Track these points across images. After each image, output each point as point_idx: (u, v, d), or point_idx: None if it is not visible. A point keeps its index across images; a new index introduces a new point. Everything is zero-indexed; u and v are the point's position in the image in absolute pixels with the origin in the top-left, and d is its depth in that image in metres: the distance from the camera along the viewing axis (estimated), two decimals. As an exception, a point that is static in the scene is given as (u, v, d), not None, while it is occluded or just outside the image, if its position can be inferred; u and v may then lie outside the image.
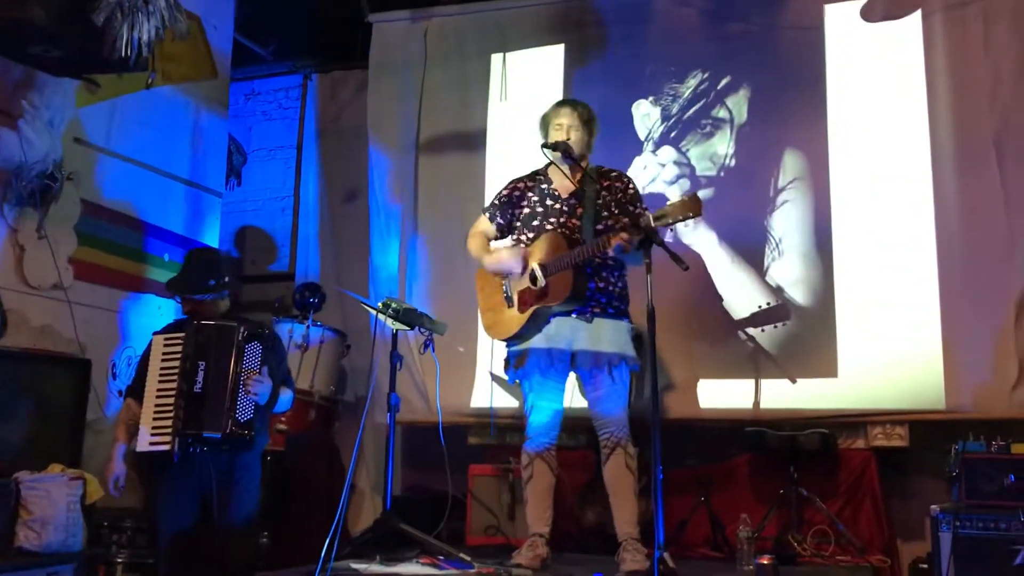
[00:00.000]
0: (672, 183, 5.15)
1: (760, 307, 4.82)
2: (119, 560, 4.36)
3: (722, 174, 5.12)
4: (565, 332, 3.81)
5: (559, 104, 4.08)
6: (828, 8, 5.04)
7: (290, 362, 4.86)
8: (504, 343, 3.99)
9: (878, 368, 4.60)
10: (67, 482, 4.05)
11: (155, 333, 3.85)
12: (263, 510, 4.12)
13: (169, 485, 3.71)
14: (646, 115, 5.32)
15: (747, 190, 5.04)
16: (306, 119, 6.70)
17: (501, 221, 4.11)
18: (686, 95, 5.26)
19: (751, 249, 4.97)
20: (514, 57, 5.69)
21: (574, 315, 3.79)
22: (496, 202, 4.13)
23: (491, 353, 5.21)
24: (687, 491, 4.57)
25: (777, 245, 4.94)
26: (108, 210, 5.08)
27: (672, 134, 5.25)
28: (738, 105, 5.15)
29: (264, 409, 3.76)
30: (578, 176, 3.91)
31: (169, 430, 3.61)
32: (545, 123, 4.02)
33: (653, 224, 3.38)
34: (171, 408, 3.64)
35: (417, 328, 4.19)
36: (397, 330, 4.20)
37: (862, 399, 4.59)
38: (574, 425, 4.04)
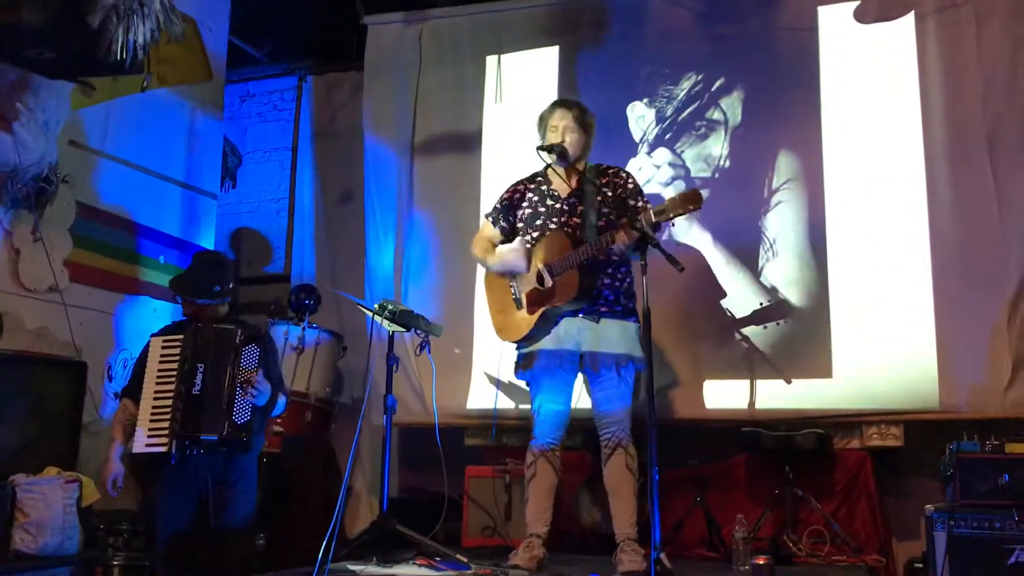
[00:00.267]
0: (667, 184, 5.17)
1: (761, 304, 4.84)
2: (115, 563, 4.34)
3: (716, 175, 5.14)
4: (573, 333, 3.82)
5: (554, 105, 4.08)
6: (822, 10, 5.06)
7: (286, 364, 4.90)
8: (514, 345, 4.00)
9: (873, 368, 4.62)
10: (63, 485, 4.05)
11: (153, 335, 3.85)
12: (259, 512, 4.11)
13: (166, 487, 3.70)
14: (641, 117, 5.33)
15: (741, 191, 5.06)
16: (301, 121, 6.71)
17: (504, 225, 4.12)
18: (681, 97, 5.28)
19: (746, 250, 4.98)
20: (509, 59, 5.70)
21: (581, 315, 3.80)
22: (498, 206, 4.14)
23: (491, 355, 5.22)
24: (683, 491, 4.58)
25: (771, 246, 4.95)
26: (103, 212, 5.08)
27: (667, 136, 5.27)
28: (732, 106, 5.17)
29: (262, 411, 3.77)
30: (576, 175, 3.91)
31: (166, 432, 3.60)
32: (542, 124, 4.02)
33: (654, 219, 3.39)
34: (168, 410, 3.63)
35: (413, 330, 4.20)
36: (393, 332, 4.20)
37: (857, 399, 4.61)
38: (572, 426, 4.04)
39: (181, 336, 3.74)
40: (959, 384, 4.46)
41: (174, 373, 3.68)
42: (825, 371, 4.72)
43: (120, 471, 3.71)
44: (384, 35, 5.97)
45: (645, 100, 5.34)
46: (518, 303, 3.93)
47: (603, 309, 3.81)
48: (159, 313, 5.30)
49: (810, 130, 4.95)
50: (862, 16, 4.97)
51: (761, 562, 3.63)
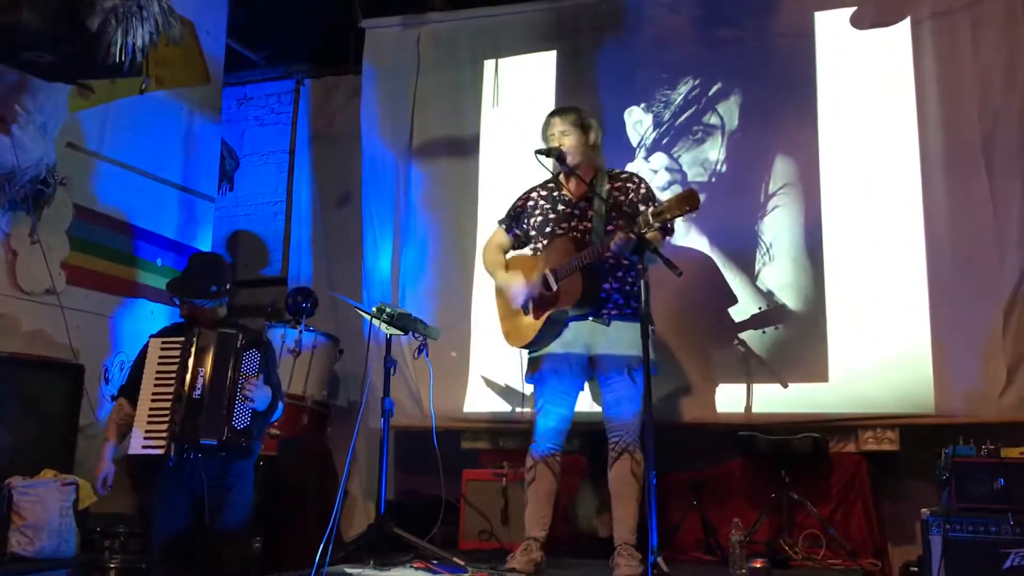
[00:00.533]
0: (664, 189, 5.17)
1: (759, 308, 4.85)
2: (112, 566, 4.34)
3: (713, 180, 5.15)
4: (583, 337, 3.82)
5: (550, 115, 4.11)
6: (818, 15, 5.08)
7: (283, 367, 4.89)
8: (524, 350, 4.00)
9: (869, 373, 4.63)
10: (59, 487, 4.04)
11: (152, 336, 3.84)
12: (256, 515, 4.11)
13: (162, 490, 3.69)
14: (638, 122, 5.35)
15: (738, 196, 5.07)
16: (299, 124, 6.71)
17: (517, 232, 4.13)
18: (678, 102, 5.29)
19: (742, 254, 4.99)
20: (507, 63, 5.71)
21: (590, 318, 3.80)
22: (511, 213, 4.16)
23: (488, 358, 5.23)
24: (680, 495, 4.59)
25: (768, 250, 4.96)
26: (101, 215, 5.07)
27: (664, 140, 5.28)
28: (729, 111, 5.18)
29: (261, 417, 3.77)
30: (584, 180, 3.92)
31: (164, 434, 3.59)
32: (544, 135, 4.04)
33: (652, 220, 3.37)
34: (166, 412, 3.63)
35: (411, 333, 4.21)
36: (391, 335, 4.21)
37: (853, 403, 4.62)
38: (568, 430, 4.04)
39: (181, 338, 3.74)
40: (954, 389, 4.47)
41: (173, 375, 3.68)
42: (821, 375, 4.73)
43: (111, 470, 3.70)
44: (382, 39, 5.98)
45: (642, 105, 5.35)
46: (525, 308, 3.94)
47: (613, 312, 3.81)
48: (156, 316, 5.30)
49: (807, 135, 4.97)
50: (859, 22, 4.99)
51: (757, 566, 3.65)
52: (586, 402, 4.13)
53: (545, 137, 4.02)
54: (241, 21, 6.17)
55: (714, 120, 5.20)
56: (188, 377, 3.66)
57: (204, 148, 5.91)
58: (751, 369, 4.82)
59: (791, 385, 4.76)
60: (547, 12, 5.66)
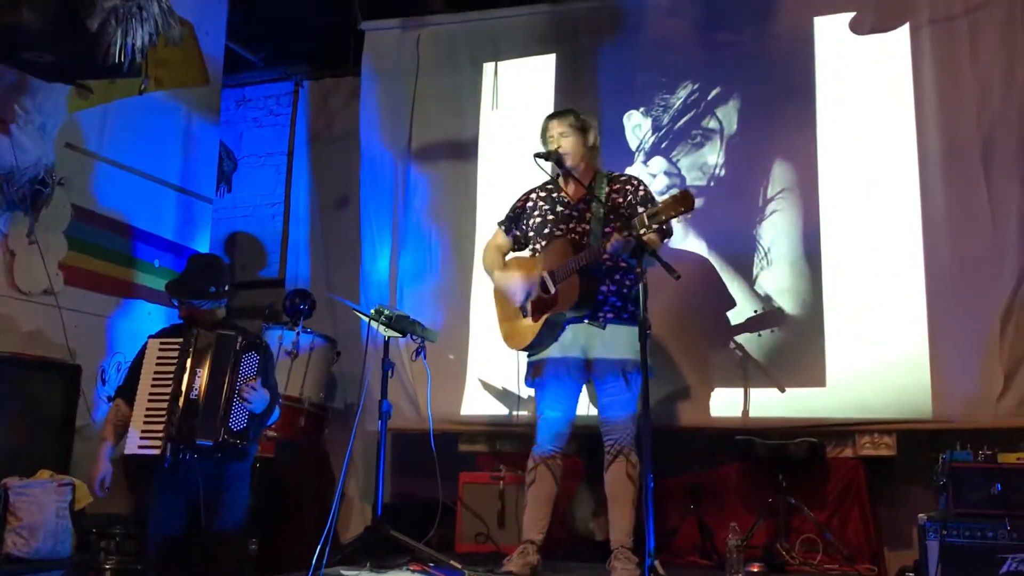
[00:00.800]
0: (663, 193, 5.16)
1: (755, 312, 4.86)
2: (107, 566, 4.32)
3: (712, 184, 5.15)
4: (580, 340, 3.82)
5: (548, 117, 4.11)
6: (818, 20, 5.09)
7: (280, 369, 4.88)
8: (523, 353, 4.01)
9: (866, 378, 4.64)
10: (56, 488, 4.03)
11: (151, 337, 3.84)
12: (252, 517, 4.11)
13: (158, 491, 3.69)
14: (637, 126, 5.35)
15: (737, 200, 5.07)
16: (297, 126, 6.71)
17: (517, 233, 4.14)
18: (677, 106, 5.30)
19: (740, 258, 5.00)
20: (506, 66, 5.72)
21: (587, 321, 3.80)
22: (511, 214, 4.16)
23: (486, 361, 5.23)
24: (677, 499, 4.59)
25: (766, 254, 4.97)
26: (99, 215, 5.07)
27: (663, 144, 5.29)
28: (728, 116, 5.19)
29: (258, 419, 3.76)
30: (583, 182, 3.92)
31: (160, 434, 3.59)
32: (543, 137, 4.05)
33: (648, 222, 3.37)
34: (163, 412, 3.62)
35: (409, 335, 4.21)
36: (389, 337, 4.21)
37: (850, 408, 4.62)
38: (570, 433, 4.05)
39: (179, 339, 3.73)
40: (952, 394, 4.48)
41: (170, 376, 3.67)
42: (819, 380, 4.74)
43: (108, 471, 3.70)
44: (381, 41, 5.98)
45: (641, 109, 5.36)
46: (524, 311, 3.94)
47: (610, 315, 3.81)
48: (154, 317, 5.29)
49: (805, 140, 4.98)
50: (858, 27, 5.00)
51: (754, 570, 3.65)
52: (583, 405, 4.13)
53: (544, 140, 4.03)
54: (240, 22, 6.17)
55: (713, 124, 5.21)
56: (186, 378, 3.66)
57: (202, 149, 5.90)
58: (749, 373, 4.83)
59: (788, 389, 4.77)
60: (547, 15, 5.67)
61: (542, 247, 3.96)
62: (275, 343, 5.00)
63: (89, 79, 4.50)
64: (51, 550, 3.95)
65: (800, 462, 4.49)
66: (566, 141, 3.95)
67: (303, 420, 5.11)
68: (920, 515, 3.79)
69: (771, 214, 5.00)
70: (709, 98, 5.23)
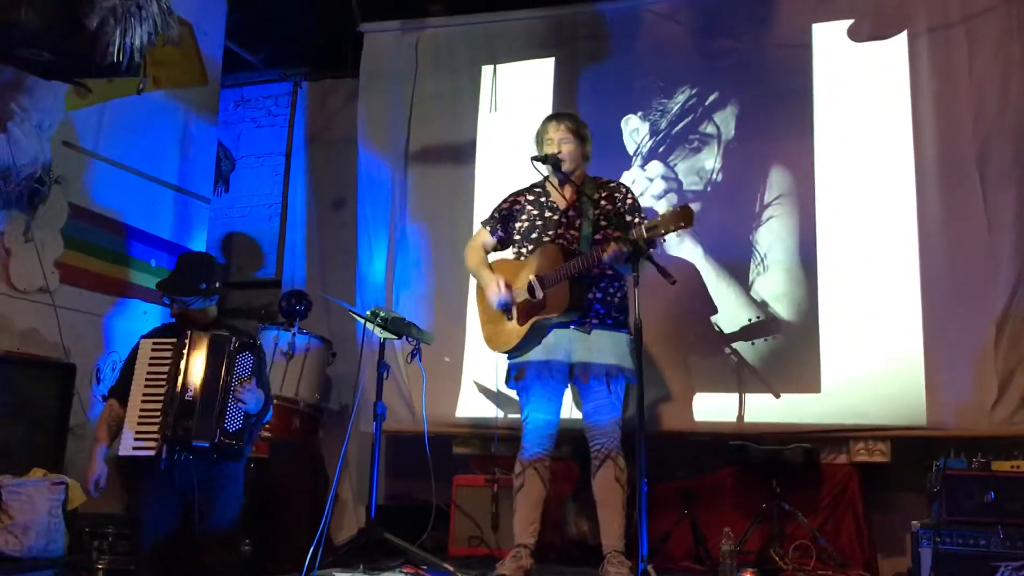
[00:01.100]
0: (660, 197, 5.19)
1: (750, 320, 4.87)
2: (100, 566, 4.31)
3: (709, 189, 5.16)
4: (564, 343, 3.82)
5: (548, 119, 4.09)
6: (816, 27, 5.10)
7: (275, 369, 4.89)
8: (504, 355, 4.00)
9: (861, 384, 4.64)
10: (49, 487, 4.01)
11: (143, 336, 3.83)
12: (246, 518, 4.10)
13: (151, 490, 3.69)
14: (635, 130, 5.36)
15: (733, 205, 5.08)
16: (295, 127, 6.71)
17: (502, 234, 4.13)
18: (674, 110, 5.30)
19: (736, 264, 5.00)
20: (504, 69, 5.72)
21: (572, 326, 3.80)
22: (496, 215, 4.14)
23: (481, 364, 5.22)
24: (670, 504, 4.58)
25: (762, 260, 4.98)
26: (95, 214, 5.06)
27: (660, 149, 5.29)
28: (726, 121, 5.20)
29: (253, 419, 3.76)
30: (574, 188, 3.93)
31: (155, 435, 3.59)
32: (539, 139, 4.04)
33: (646, 235, 3.40)
34: (157, 413, 3.62)
35: (404, 337, 4.21)
36: (384, 339, 4.21)
37: (845, 415, 4.62)
38: (560, 436, 4.04)
39: (172, 339, 3.73)
40: (946, 402, 4.49)
41: (164, 376, 3.67)
42: (813, 386, 4.74)
43: (103, 472, 3.70)
44: (380, 43, 5.98)
45: (639, 113, 5.36)
46: (508, 313, 3.93)
47: (594, 321, 3.81)
48: (149, 316, 5.29)
49: (803, 146, 4.99)
50: (856, 34, 5.01)
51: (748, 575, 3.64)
52: (571, 408, 4.13)
53: (541, 140, 4.02)
54: (240, 23, 6.18)
55: (710, 129, 5.22)
56: (180, 379, 3.65)
57: (200, 149, 5.90)
58: (743, 379, 4.83)
59: (783, 395, 4.77)
60: (545, 19, 5.67)
61: (529, 251, 3.94)
62: (271, 344, 5.00)
63: (87, 78, 4.48)
64: (43, 549, 3.93)
65: (794, 468, 4.49)
66: (567, 146, 3.94)
67: (298, 421, 5.11)
68: (914, 522, 3.81)
69: (768, 220, 5.01)
70: (707, 103, 5.24)
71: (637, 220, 3.83)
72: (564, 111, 4.40)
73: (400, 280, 5.63)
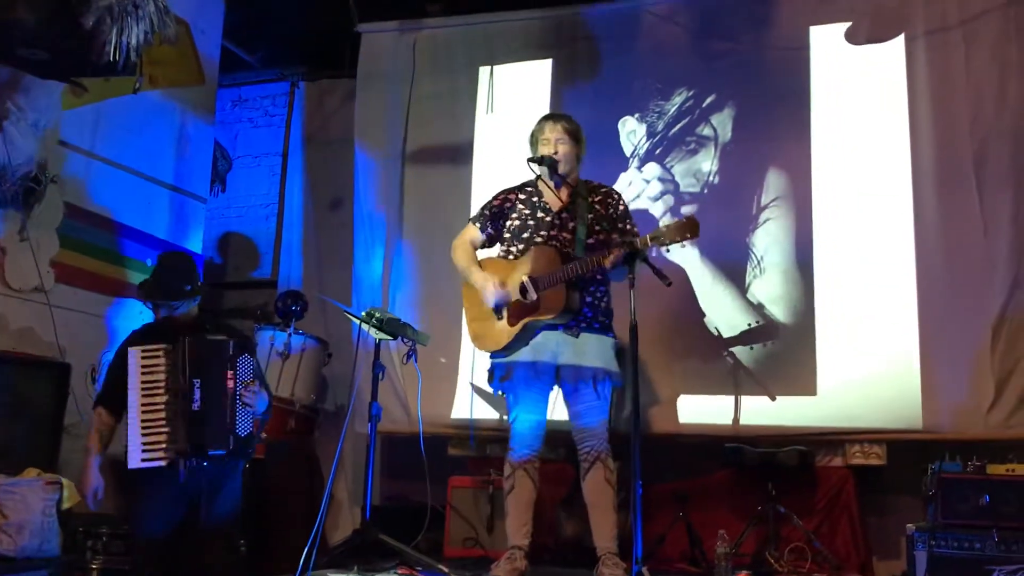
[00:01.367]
0: (656, 199, 5.19)
1: (749, 325, 4.87)
2: (94, 566, 4.29)
3: (706, 191, 5.16)
4: (551, 345, 3.81)
5: (544, 119, 4.07)
6: (813, 30, 5.10)
7: (271, 370, 4.88)
8: (490, 355, 3.99)
9: (857, 387, 4.64)
10: (43, 487, 4.01)
11: (126, 343, 3.77)
12: (241, 517, 4.09)
13: (151, 492, 3.66)
14: (632, 132, 5.35)
15: (730, 207, 5.08)
16: (292, 127, 6.70)
17: (491, 231, 4.09)
18: (671, 112, 5.30)
19: (733, 266, 5.00)
20: (502, 70, 5.72)
21: (560, 329, 3.80)
22: (486, 212, 4.10)
23: (472, 364, 5.22)
24: (666, 506, 4.58)
25: (759, 262, 4.97)
26: (91, 214, 5.06)
27: (657, 151, 5.29)
28: (723, 123, 5.20)
29: (260, 420, 3.75)
30: (568, 190, 3.92)
31: (163, 445, 3.56)
32: (534, 139, 4.02)
33: (649, 244, 3.41)
34: (162, 423, 3.57)
35: (400, 338, 4.20)
36: (380, 340, 4.20)
37: (840, 417, 4.62)
38: (554, 438, 4.04)
39: (160, 345, 3.67)
40: (942, 405, 4.49)
41: (161, 385, 3.62)
42: (809, 389, 4.74)
43: (100, 484, 3.66)
44: (378, 43, 5.98)
45: (636, 115, 5.36)
46: (498, 313, 3.90)
47: (582, 324, 3.80)
48: (145, 315, 5.22)
49: (800, 148, 4.99)
50: (853, 37, 5.02)
51: (742, 578, 3.64)
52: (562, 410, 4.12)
53: (536, 141, 3.99)
54: (237, 22, 6.17)
55: (708, 131, 5.22)
56: (183, 389, 3.60)
57: (197, 149, 5.90)
58: (739, 381, 4.83)
59: (779, 398, 4.77)
60: (544, 20, 5.67)
61: (519, 250, 3.92)
62: (267, 344, 4.99)
63: (83, 77, 4.48)
64: (37, 549, 3.92)
65: (790, 470, 4.48)
66: (563, 147, 3.93)
67: (293, 421, 5.10)
68: (909, 525, 3.81)
69: (764, 222, 5.01)
70: (704, 105, 5.24)
71: (630, 228, 3.83)
72: (561, 112, 4.39)
73: (396, 281, 5.62)
